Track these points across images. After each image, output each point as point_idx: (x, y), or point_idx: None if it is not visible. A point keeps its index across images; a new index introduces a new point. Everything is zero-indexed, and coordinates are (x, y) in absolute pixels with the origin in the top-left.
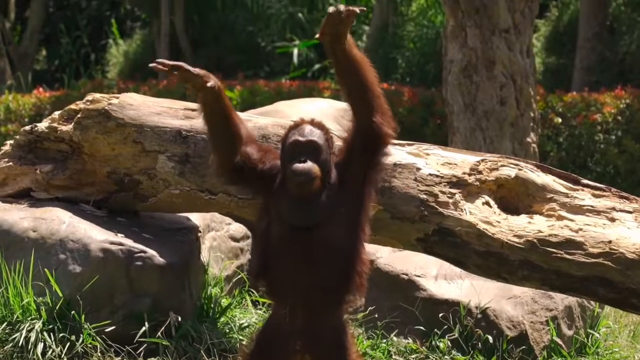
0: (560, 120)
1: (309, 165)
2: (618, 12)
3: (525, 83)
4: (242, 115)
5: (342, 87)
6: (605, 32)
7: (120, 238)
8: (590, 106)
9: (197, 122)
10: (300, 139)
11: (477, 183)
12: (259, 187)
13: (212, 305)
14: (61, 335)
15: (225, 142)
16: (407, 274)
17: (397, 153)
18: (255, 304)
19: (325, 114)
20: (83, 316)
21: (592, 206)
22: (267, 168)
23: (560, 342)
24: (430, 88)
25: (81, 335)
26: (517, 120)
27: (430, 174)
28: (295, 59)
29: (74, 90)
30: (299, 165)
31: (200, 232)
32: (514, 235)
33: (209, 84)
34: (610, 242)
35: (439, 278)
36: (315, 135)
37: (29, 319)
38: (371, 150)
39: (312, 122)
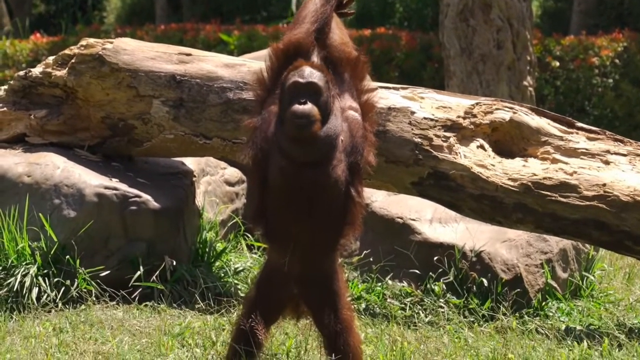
0: (557, 63)
1: (309, 107)
2: None
3: (522, 27)
4: (237, 59)
5: None
6: None
7: (114, 183)
8: (588, 50)
9: (191, 67)
10: (300, 80)
11: (472, 126)
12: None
13: (207, 250)
14: (56, 280)
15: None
16: (402, 218)
17: (392, 97)
18: (250, 248)
19: None
20: (78, 261)
21: (586, 149)
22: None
23: (555, 285)
24: (428, 32)
25: (76, 280)
26: (514, 64)
27: (425, 118)
28: (293, 4)
29: (71, 35)
30: (299, 107)
31: (195, 176)
32: (509, 179)
33: None
34: (604, 185)
35: (434, 222)
36: (316, 77)
37: (23, 263)
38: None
39: (312, 64)
